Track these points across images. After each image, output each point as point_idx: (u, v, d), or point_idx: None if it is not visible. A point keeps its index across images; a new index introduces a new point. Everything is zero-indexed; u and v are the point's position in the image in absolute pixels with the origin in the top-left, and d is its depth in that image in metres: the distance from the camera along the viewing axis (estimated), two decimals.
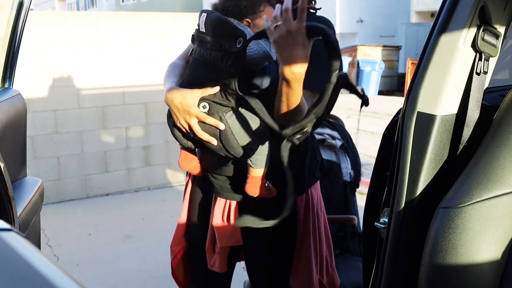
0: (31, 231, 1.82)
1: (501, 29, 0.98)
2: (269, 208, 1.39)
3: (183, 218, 1.55)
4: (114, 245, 3.24)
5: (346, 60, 13.86)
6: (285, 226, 1.43)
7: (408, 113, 1.00)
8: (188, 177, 1.56)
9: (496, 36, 0.97)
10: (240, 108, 1.27)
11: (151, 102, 4.36)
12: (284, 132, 1.14)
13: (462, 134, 0.97)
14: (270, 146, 1.29)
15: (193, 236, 1.54)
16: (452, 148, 0.98)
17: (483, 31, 0.94)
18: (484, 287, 0.85)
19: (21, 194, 1.79)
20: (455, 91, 0.98)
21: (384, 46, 14.90)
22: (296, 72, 1.09)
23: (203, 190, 1.49)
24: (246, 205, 1.40)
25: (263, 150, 1.28)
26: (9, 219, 1.46)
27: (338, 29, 16.29)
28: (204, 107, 1.25)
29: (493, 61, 1.00)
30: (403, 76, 14.47)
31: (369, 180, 1.35)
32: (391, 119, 1.27)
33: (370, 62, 13.84)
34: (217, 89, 1.23)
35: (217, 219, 1.39)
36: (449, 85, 0.96)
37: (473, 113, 0.97)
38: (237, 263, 1.61)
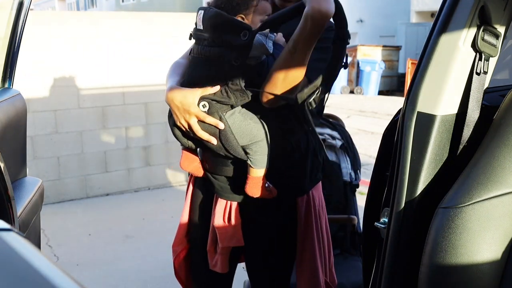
0: (31, 231, 1.82)
1: (501, 29, 0.98)
2: (269, 209, 1.39)
3: (185, 219, 1.55)
4: (114, 245, 3.24)
5: None
6: (285, 227, 1.43)
7: (408, 113, 1.00)
8: (189, 178, 1.56)
9: (496, 36, 0.97)
10: (240, 108, 1.27)
11: (151, 102, 4.36)
12: (300, 96, 1.18)
13: (462, 134, 0.97)
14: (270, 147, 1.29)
15: (195, 237, 1.54)
16: (452, 148, 0.98)
17: (483, 31, 0.94)
18: (484, 287, 0.85)
19: (21, 194, 1.79)
20: (455, 91, 0.98)
21: (384, 46, 14.91)
22: (323, 11, 1.11)
23: (204, 191, 1.49)
24: (247, 206, 1.40)
25: (263, 150, 1.28)
26: (9, 219, 1.46)
27: None
28: (204, 106, 1.24)
29: (493, 61, 1.00)
30: (403, 76, 14.47)
31: (369, 180, 1.35)
32: (391, 119, 1.27)
33: (370, 62, 13.85)
34: (217, 88, 1.23)
35: (218, 219, 1.39)
36: (449, 85, 0.96)
37: (473, 113, 0.97)
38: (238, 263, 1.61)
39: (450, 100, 0.97)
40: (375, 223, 1.13)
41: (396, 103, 11.60)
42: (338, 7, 1.19)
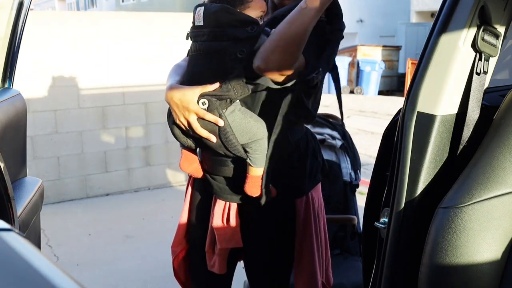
0: (31, 231, 1.82)
1: (501, 29, 0.98)
2: (268, 210, 1.39)
3: (184, 219, 1.54)
4: (114, 245, 3.24)
5: (346, 60, 13.87)
6: (284, 227, 1.43)
7: (408, 113, 1.00)
8: (189, 179, 1.56)
9: (496, 36, 0.97)
10: (240, 106, 1.27)
11: (151, 102, 4.36)
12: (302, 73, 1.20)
13: (462, 134, 0.97)
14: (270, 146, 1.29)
15: (194, 237, 1.54)
16: (452, 148, 0.98)
17: (483, 31, 0.94)
18: (484, 287, 0.85)
19: (21, 194, 1.79)
20: (455, 91, 0.98)
21: (384, 46, 14.91)
22: None
23: (203, 192, 1.49)
24: (246, 207, 1.39)
25: (262, 149, 1.28)
26: (9, 219, 1.46)
27: None
28: (203, 103, 1.24)
29: (493, 61, 1.00)
30: (403, 76, 14.47)
31: (369, 180, 1.35)
32: (391, 119, 1.27)
33: (370, 62, 13.85)
34: (216, 85, 1.23)
35: (217, 220, 1.39)
36: (449, 85, 0.96)
37: (473, 113, 0.97)
38: (238, 263, 1.61)
39: (450, 100, 0.97)
40: (375, 223, 1.13)
41: (396, 103, 11.60)
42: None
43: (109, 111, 4.21)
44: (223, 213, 1.39)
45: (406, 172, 0.99)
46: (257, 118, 1.28)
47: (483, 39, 0.95)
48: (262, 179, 1.30)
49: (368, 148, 6.14)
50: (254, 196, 1.32)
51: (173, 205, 4.00)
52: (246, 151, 1.28)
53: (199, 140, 1.32)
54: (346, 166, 2.38)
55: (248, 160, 1.29)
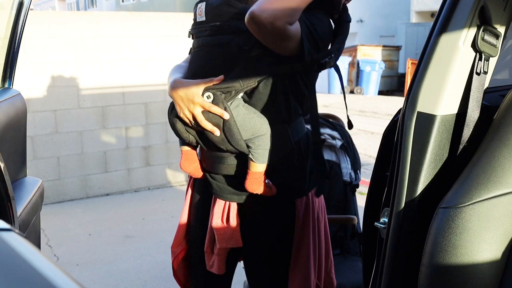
0: (31, 231, 1.82)
1: (501, 29, 0.98)
2: (268, 210, 1.39)
3: (184, 220, 1.54)
4: (114, 245, 3.24)
5: (346, 60, 13.88)
6: (284, 228, 1.42)
7: (408, 113, 1.00)
8: (189, 179, 1.56)
9: (496, 36, 0.97)
10: (243, 102, 1.27)
11: (151, 102, 4.37)
12: (315, 57, 1.22)
13: (462, 134, 0.97)
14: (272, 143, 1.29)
15: (194, 238, 1.54)
16: (452, 148, 0.98)
17: (483, 31, 0.95)
18: (484, 287, 0.85)
19: (21, 194, 1.79)
20: (455, 91, 0.98)
21: (384, 46, 14.92)
22: None
23: (203, 192, 1.49)
24: (245, 207, 1.39)
25: (265, 144, 1.28)
26: (9, 219, 1.46)
27: None
28: (208, 97, 1.24)
29: (493, 61, 1.00)
30: (403, 76, 14.48)
31: (369, 180, 1.35)
32: (391, 119, 1.27)
33: (370, 62, 13.85)
34: (221, 78, 1.23)
35: (217, 220, 1.39)
36: (449, 85, 0.96)
37: (473, 113, 0.97)
38: (238, 263, 1.61)
39: (450, 100, 0.97)
40: (375, 223, 1.13)
41: (396, 103, 11.60)
42: None
43: (109, 111, 4.21)
44: (223, 212, 1.39)
45: (406, 172, 0.99)
46: (260, 115, 1.28)
47: (483, 39, 0.95)
48: (263, 176, 1.30)
49: (368, 148, 6.14)
50: (254, 192, 1.32)
51: (173, 205, 4.00)
52: (248, 147, 1.28)
53: (201, 134, 1.31)
54: (346, 166, 2.38)
55: (250, 156, 1.29)
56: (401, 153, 1.01)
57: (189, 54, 1.40)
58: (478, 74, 0.96)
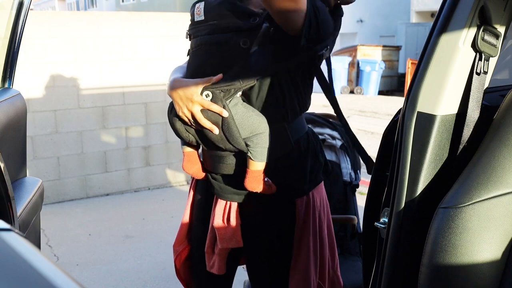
0: (31, 231, 1.82)
1: (501, 29, 0.98)
2: (269, 210, 1.39)
3: (186, 219, 1.55)
4: (114, 245, 3.24)
5: (346, 60, 13.88)
6: (285, 227, 1.42)
7: (408, 113, 1.00)
8: (192, 180, 1.57)
9: (496, 36, 0.97)
10: (242, 101, 1.27)
11: (151, 102, 4.37)
12: (315, 47, 1.23)
13: (462, 134, 0.97)
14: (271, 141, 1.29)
15: (195, 238, 1.54)
16: (452, 148, 0.98)
17: (483, 31, 0.94)
18: (484, 287, 0.85)
19: (21, 194, 1.79)
20: (455, 91, 0.98)
21: (384, 46, 14.92)
22: None
23: (205, 193, 1.49)
24: (246, 207, 1.39)
25: (263, 143, 1.28)
26: (9, 219, 1.46)
27: None
28: (207, 96, 1.24)
29: (493, 61, 1.00)
30: (403, 76, 14.48)
31: (369, 180, 1.35)
32: (391, 119, 1.27)
33: (370, 62, 13.86)
34: (220, 77, 1.23)
35: (218, 220, 1.39)
36: (449, 85, 0.96)
37: (473, 113, 0.97)
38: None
39: (450, 100, 0.97)
40: (375, 223, 1.13)
41: (396, 103, 11.60)
42: None
43: (109, 111, 4.22)
44: (224, 213, 1.39)
45: (406, 172, 0.99)
46: (259, 113, 1.28)
47: (483, 39, 0.95)
48: (262, 174, 1.30)
49: (368, 148, 6.11)
50: (254, 191, 1.32)
51: (173, 205, 4.00)
52: (247, 145, 1.28)
53: (201, 133, 1.31)
54: (346, 166, 2.38)
55: (249, 154, 1.29)
56: (401, 153, 1.01)
57: (187, 55, 1.40)
58: (478, 74, 0.96)
